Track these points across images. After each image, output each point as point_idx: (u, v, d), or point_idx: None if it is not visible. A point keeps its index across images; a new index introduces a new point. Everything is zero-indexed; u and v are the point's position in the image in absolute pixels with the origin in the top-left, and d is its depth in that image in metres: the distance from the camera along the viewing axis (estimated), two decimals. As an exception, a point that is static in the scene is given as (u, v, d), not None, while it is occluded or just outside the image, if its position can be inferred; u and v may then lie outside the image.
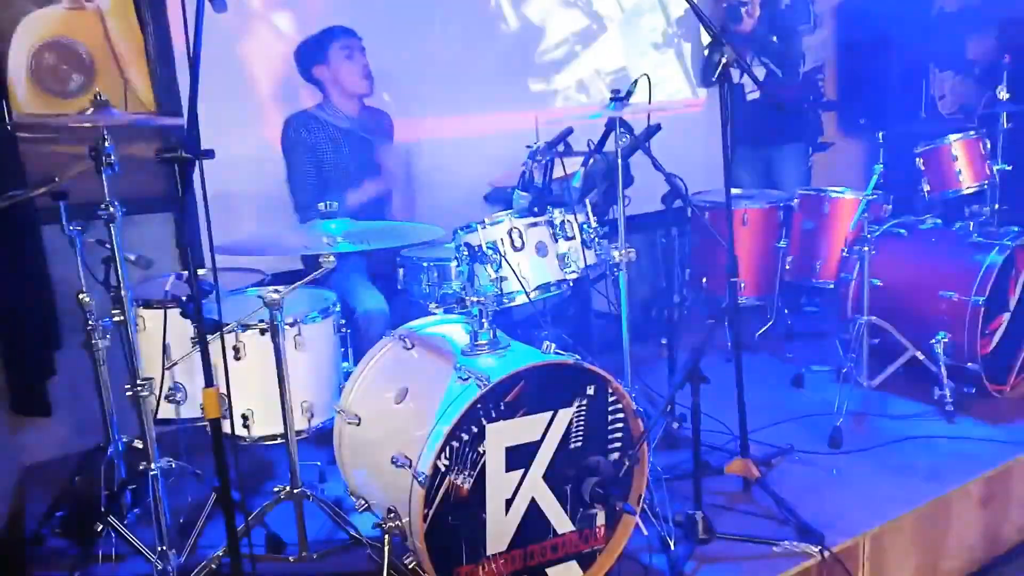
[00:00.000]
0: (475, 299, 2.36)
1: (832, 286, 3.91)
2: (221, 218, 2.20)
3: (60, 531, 2.72)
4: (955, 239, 3.58)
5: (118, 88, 3.45)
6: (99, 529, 2.52)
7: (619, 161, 2.79)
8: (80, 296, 2.59)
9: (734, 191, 3.31)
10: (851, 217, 3.76)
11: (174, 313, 2.53)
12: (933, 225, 3.74)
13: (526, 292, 2.55)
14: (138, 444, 2.67)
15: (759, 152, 4.70)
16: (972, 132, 3.90)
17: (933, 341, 3.37)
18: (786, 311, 4.36)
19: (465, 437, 2.11)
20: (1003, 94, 3.87)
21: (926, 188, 3.91)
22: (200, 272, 2.04)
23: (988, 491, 2.91)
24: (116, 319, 2.49)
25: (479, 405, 2.11)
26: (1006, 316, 3.49)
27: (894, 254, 3.60)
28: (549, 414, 2.22)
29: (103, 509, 2.58)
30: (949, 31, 5.45)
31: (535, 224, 2.62)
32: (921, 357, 3.42)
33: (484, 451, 2.15)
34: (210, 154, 1.87)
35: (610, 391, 2.30)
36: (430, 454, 2.06)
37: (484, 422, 2.13)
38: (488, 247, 2.53)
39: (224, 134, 3.44)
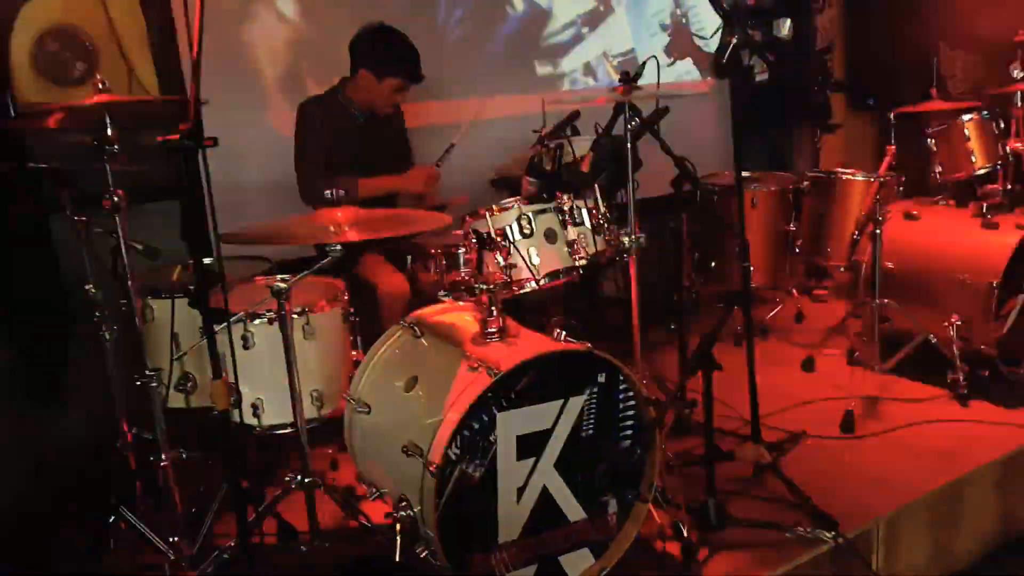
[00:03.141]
0: (484, 287, 2.34)
1: (843, 269, 3.89)
2: (227, 206, 2.18)
3: (73, 521, 2.72)
4: (967, 220, 3.54)
5: (122, 74, 3.42)
6: (111, 519, 2.52)
7: (628, 145, 2.76)
8: (86, 287, 2.58)
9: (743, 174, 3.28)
10: (862, 199, 3.72)
11: (182, 302, 2.51)
12: (945, 206, 3.71)
13: (536, 280, 2.53)
14: (148, 435, 2.67)
15: (767, 134, 4.67)
16: (985, 112, 3.86)
17: (946, 324, 3.34)
18: (796, 295, 4.34)
19: (475, 426, 2.10)
20: (1018, 73, 3.82)
21: (938, 169, 3.87)
22: (206, 261, 2.02)
23: (1003, 474, 2.89)
24: (124, 309, 2.47)
25: (489, 394, 2.09)
26: (1020, 298, 3.44)
27: (906, 236, 3.57)
28: (560, 402, 2.20)
29: (114, 500, 2.57)
30: (959, 8, 5.38)
31: (544, 210, 2.60)
32: (934, 340, 3.39)
33: (495, 440, 2.13)
34: (213, 142, 1.85)
35: (621, 378, 2.27)
36: (440, 443, 2.05)
37: (494, 411, 2.11)
38: (497, 234, 2.51)
39: (229, 121, 3.45)
